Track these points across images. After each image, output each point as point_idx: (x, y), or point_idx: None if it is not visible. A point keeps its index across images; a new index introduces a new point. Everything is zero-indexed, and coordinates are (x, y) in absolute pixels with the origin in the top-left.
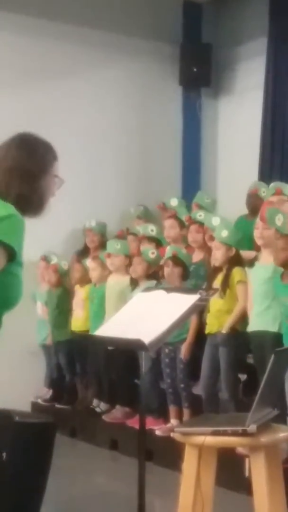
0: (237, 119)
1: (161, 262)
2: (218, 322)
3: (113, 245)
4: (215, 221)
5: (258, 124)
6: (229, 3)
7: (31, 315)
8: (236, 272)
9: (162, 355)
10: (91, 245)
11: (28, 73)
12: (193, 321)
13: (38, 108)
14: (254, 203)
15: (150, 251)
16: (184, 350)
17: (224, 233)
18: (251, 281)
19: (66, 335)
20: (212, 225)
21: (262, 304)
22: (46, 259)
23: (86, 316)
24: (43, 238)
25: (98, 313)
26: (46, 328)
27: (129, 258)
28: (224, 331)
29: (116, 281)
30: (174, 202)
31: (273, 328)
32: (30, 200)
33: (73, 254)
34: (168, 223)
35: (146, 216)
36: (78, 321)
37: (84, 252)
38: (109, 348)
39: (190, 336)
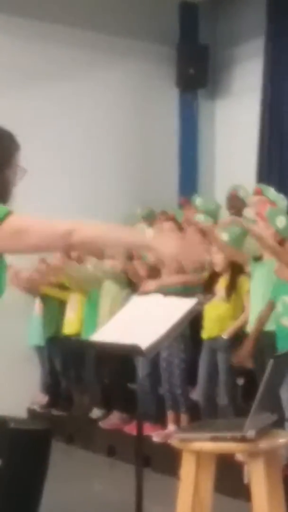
0: (234, 121)
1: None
2: (218, 327)
3: None
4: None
5: (255, 125)
6: (226, 4)
7: (28, 321)
8: (245, 281)
9: (160, 360)
10: None
11: (26, 75)
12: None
13: (36, 110)
14: (235, 205)
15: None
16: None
17: (225, 236)
18: (252, 278)
19: (57, 332)
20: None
21: (260, 302)
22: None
23: (78, 319)
24: None
25: (92, 315)
26: (41, 327)
27: (129, 261)
28: (225, 336)
29: (112, 285)
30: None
31: (271, 327)
32: None
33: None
34: (167, 226)
35: (151, 217)
36: (70, 324)
37: None
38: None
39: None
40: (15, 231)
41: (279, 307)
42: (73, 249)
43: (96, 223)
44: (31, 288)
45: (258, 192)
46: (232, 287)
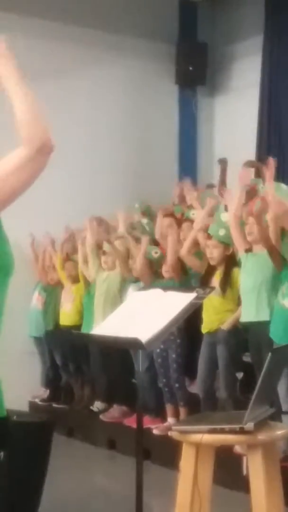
0: (233, 117)
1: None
2: (217, 320)
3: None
4: (224, 217)
5: (254, 122)
6: (225, 1)
7: (27, 314)
8: (238, 273)
9: (154, 356)
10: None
11: (25, 72)
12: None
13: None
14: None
15: (153, 250)
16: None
17: (222, 232)
18: (242, 268)
19: (55, 325)
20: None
21: (253, 292)
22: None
23: (75, 311)
24: (42, 234)
25: (90, 307)
26: (40, 319)
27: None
28: (225, 327)
29: (109, 279)
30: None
31: (265, 317)
32: None
33: (66, 253)
34: (166, 221)
35: (150, 213)
36: (66, 315)
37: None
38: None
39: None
40: None
41: (284, 289)
42: None
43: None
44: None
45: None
46: (226, 280)
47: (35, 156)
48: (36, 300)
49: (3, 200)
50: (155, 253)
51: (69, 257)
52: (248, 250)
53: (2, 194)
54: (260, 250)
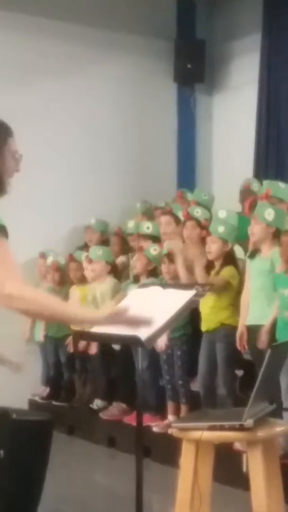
0: (232, 115)
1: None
2: (215, 319)
3: (94, 252)
4: (222, 214)
5: (252, 120)
6: None
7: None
8: (226, 270)
9: (160, 352)
10: (90, 243)
11: (24, 70)
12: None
13: (33, 105)
14: (248, 198)
15: (152, 247)
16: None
17: (221, 228)
18: (249, 273)
19: (65, 331)
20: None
21: (259, 296)
22: (44, 256)
23: None
24: (44, 236)
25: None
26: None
27: (110, 264)
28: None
29: (101, 290)
30: (190, 196)
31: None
32: None
33: (69, 254)
34: (164, 219)
35: (150, 212)
36: None
37: (83, 250)
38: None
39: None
40: None
41: (279, 300)
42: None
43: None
44: None
45: (265, 197)
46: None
47: None
48: None
49: None
50: (154, 250)
51: (72, 258)
52: (252, 254)
53: None
54: (264, 255)
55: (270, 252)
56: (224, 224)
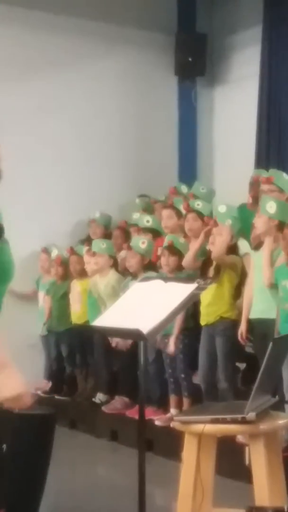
0: (233, 108)
1: (159, 252)
2: (213, 312)
3: (98, 245)
4: (222, 208)
5: (253, 113)
6: None
7: (31, 307)
8: (232, 256)
9: (162, 346)
10: (94, 236)
11: (24, 65)
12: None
13: (35, 99)
14: (257, 190)
15: (140, 241)
16: (171, 344)
17: (228, 222)
18: (253, 266)
19: (67, 325)
20: (219, 213)
21: (263, 290)
22: (46, 250)
23: (83, 310)
24: (46, 230)
25: (96, 306)
26: (44, 318)
27: (113, 258)
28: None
29: (105, 283)
30: (184, 188)
31: (274, 315)
32: None
33: (70, 247)
34: (166, 213)
35: (150, 207)
36: (75, 315)
37: (85, 243)
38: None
39: (176, 330)
40: None
41: (280, 292)
42: None
43: None
44: None
45: (267, 181)
46: (219, 269)
47: None
48: (43, 300)
49: None
50: (142, 243)
51: (73, 251)
52: (257, 247)
53: None
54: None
55: (275, 245)
56: (229, 217)
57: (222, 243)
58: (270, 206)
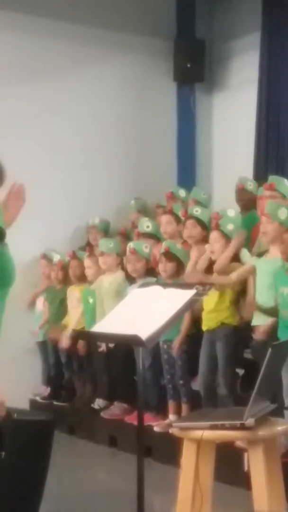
0: (232, 114)
1: (157, 258)
2: (215, 318)
3: (105, 244)
4: (230, 212)
5: (252, 119)
6: None
7: (30, 313)
8: (236, 264)
9: (161, 352)
10: (94, 242)
11: (23, 70)
12: (186, 318)
13: (34, 105)
14: (243, 198)
15: (143, 245)
16: (176, 346)
17: (230, 226)
18: (257, 273)
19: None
20: (227, 217)
21: (267, 297)
22: (46, 256)
23: (81, 316)
24: (46, 235)
25: (94, 314)
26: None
27: (120, 257)
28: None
29: (110, 281)
30: (182, 193)
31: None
32: None
33: (72, 251)
34: (165, 218)
35: (145, 210)
36: (73, 321)
37: (86, 249)
38: (109, 345)
39: (182, 332)
40: None
41: (279, 299)
42: None
43: None
44: None
45: (271, 187)
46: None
47: None
48: (42, 306)
49: None
50: (145, 248)
51: (75, 255)
52: (260, 254)
53: None
54: (272, 256)
55: (279, 252)
56: (233, 222)
57: (225, 258)
58: (282, 212)
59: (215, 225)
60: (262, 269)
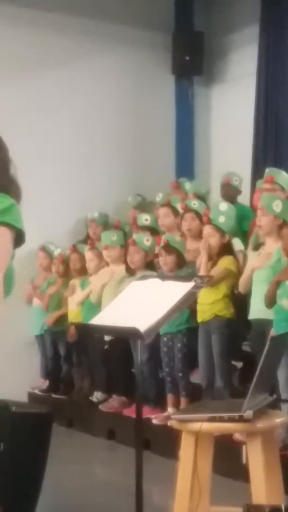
0: (230, 107)
1: (157, 251)
2: (209, 310)
3: (109, 237)
4: (222, 206)
5: (251, 112)
6: None
7: (27, 306)
8: (224, 260)
9: (161, 344)
10: (94, 236)
11: (21, 63)
12: None
13: (32, 98)
14: (227, 193)
15: (144, 238)
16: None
17: (221, 219)
18: (253, 282)
19: (62, 325)
20: (218, 210)
21: (262, 290)
22: (44, 249)
23: (80, 310)
24: (44, 228)
25: (93, 306)
26: (42, 317)
27: (124, 248)
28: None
29: (114, 273)
30: (187, 185)
31: (272, 315)
32: (10, 188)
33: (72, 244)
34: (163, 211)
35: (143, 206)
36: (74, 314)
37: (85, 243)
38: (107, 338)
39: None
40: None
41: (279, 289)
42: None
43: None
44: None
45: (270, 180)
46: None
47: None
48: (39, 299)
49: None
50: (146, 240)
51: (75, 249)
52: (256, 247)
53: None
54: (269, 250)
55: (276, 245)
56: (225, 215)
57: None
58: (277, 205)
59: (206, 219)
60: (259, 278)
